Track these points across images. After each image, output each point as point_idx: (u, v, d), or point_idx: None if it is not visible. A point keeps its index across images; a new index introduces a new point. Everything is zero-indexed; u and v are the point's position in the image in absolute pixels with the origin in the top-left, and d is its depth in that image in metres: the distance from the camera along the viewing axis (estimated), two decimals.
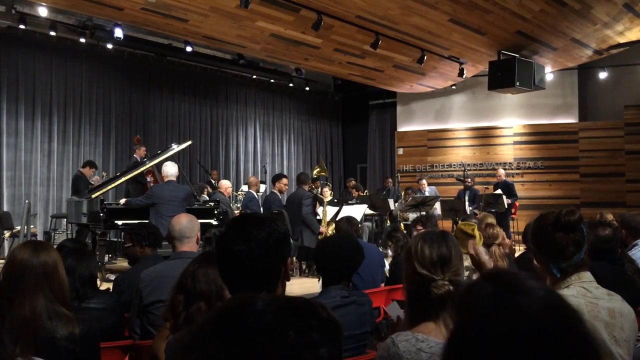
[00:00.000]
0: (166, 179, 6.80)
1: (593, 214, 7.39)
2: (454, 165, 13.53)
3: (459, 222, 4.98)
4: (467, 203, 9.96)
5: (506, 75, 9.68)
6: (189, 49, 10.06)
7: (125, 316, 3.19)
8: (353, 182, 12.30)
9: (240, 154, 13.57)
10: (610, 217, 6.75)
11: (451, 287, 1.72)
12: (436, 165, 13.95)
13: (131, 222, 6.88)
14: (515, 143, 13.23)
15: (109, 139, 11.02)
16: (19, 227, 8.09)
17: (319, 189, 10.69)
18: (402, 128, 14.50)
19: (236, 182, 12.57)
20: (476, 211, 9.50)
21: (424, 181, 11.49)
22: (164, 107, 12.02)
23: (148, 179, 8.63)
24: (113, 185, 8.05)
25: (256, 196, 9.03)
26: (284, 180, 8.28)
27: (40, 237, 9.00)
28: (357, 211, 8.05)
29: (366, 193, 12.13)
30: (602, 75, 12.21)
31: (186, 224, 3.18)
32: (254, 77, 13.52)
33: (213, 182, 10.82)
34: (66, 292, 2.22)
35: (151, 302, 2.95)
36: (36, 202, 9.74)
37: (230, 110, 13.37)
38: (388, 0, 7.71)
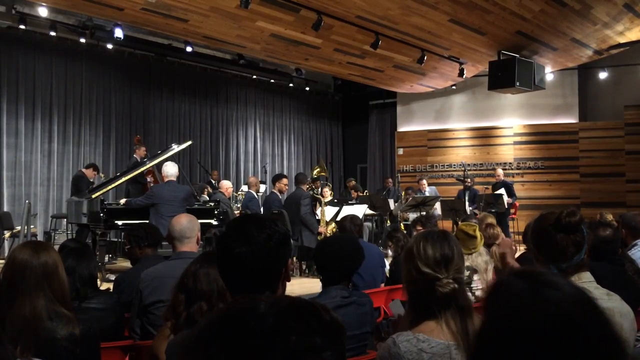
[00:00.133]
0: (166, 179, 6.80)
1: (593, 214, 7.40)
2: (454, 165, 13.53)
3: (460, 222, 4.98)
4: (467, 203, 9.96)
5: (506, 75, 9.68)
6: (189, 49, 10.06)
7: (125, 316, 3.19)
8: (353, 182, 12.30)
9: (240, 154, 13.57)
10: (610, 217, 6.76)
11: (456, 285, 1.71)
12: (436, 166, 13.95)
13: (131, 222, 6.88)
14: (516, 143, 13.23)
15: (109, 139, 11.02)
16: (19, 227, 8.10)
17: (319, 189, 10.70)
18: (402, 128, 14.50)
19: (236, 182, 12.56)
20: (476, 211, 9.50)
21: (424, 181, 11.49)
22: (164, 107, 12.02)
23: (148, 179, 8.63)
24: (113, 185, 8.06)
25: (256, 196, 9.03)
26: (284, 181, 8.28)
27: (40, 237, 9.00)
28: (357, 211, 8.04)
29: (366, 193, 12.13)
30: (602, 75, 12.21)
31: (186, 224, 3.17)
32: (254, 77, 13.52)
33: (213, 182, 10.82)
34: (66, 293, 2.22)
35: (151, 302, 2.95)
36: (36, 202, 9.74)
37: (230, 110, 13.37)
38: (388, 0, 7.71)
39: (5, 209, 9.23)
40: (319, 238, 7.64)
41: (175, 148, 8.13)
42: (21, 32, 9.35)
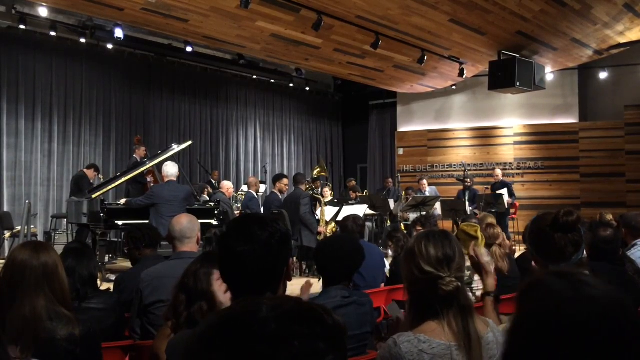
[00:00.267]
0: (166, 179, 6.80)
1: (593, 214, 7.40)
2: (454, 165, 13.52)
3: (460, 222, 4.98)
4: (467, 203, 9.95)
5: (506, 75, 9.67)
6: (189, 49, 10.06)
7: (126, 316, 3.19)
8: (353, 183, 12.29)
9: (240, 154, 13.57)
10: (609, 217, 6.75)
11: (459, 284, 1.71)
12: (436, 166, 13.95)
13: (131, 222, 6.88)
14: (516, 143, 13.23)
15: (109, 139, 11.01)
16: (19, 228, 8.09)
17: (319, 189, 10.69)
18: (402, 128, 14.49)
19: (236, 183, 12.56)
20: (476, 211, 9.49)
21: (425, 181, 11.49)
22: (164, 107, 12.02)
23: (148, 179, 8.63)
24: (113, 185, 8.06)
25: (256, 196, 9.03)
26: (285, 181, 8.28)
27: (40, 238, 9.00)
28: (357, 211, 8.04)
29: (366, 193, 12.13)
30: (603, 75, 12.20)
31: (186, 224, 3.17)
32: (254, 77, 13.52)
33: (213, 182, 10.82)
34: (66, 293, 2.22)
35: (152, 302, 2.95)
36: (36, 202, 9.74)
37: (230, 110, 13.37)
38: (388, 0, 7.70)
39: (6, 209, 9.23)
40: (318, 238, 7.64)
41: (176, 148, 8.13)
42: (21, 32, 9.35)
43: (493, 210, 9.33)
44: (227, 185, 8.99)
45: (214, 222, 7.32)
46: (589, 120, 12.81)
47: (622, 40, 10.08)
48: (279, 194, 8.16)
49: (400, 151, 14.40)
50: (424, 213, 9.28)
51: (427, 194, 10.90)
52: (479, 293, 3.89)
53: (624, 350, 0.84)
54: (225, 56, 12.27)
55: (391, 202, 10.73)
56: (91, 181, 8.72)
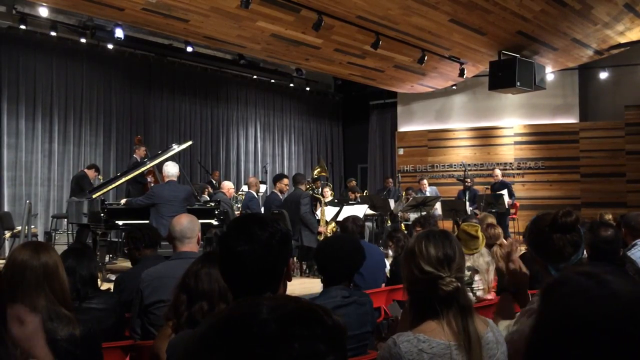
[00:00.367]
0: (167, 179, 6.80)
1: (594, 215, 7.40)
2: (455, 165, 13.52)
3: (461, 222, 4.98)
4: (467, 203, 9.95)
5: (507, 75, 9.67)
6: (189, 49, 10.07)
7: (126, 316, 3.19)
8: (354, 183, 12.29)
9: (240, 154, 13.57)
10: (609, 217, 6.74)
11: (459, 284, 1.71)
12: (437, 166, 13.95)
13: (132, 222, 6.88)
14: (516, 143, 13.23)
15: (109, 139, 11.02)
16: (19, 228, 8.10)
17: (320, 189, 10.69)
18: (402, 128, 14.49)
19: (237, 183, 12.56)
20: (477, 211, 9.50)
21: (425, 181, 11.49)
22: (165, 107, 12.02)
23: (148, 179, 8.63)
24: (114, 185, 8.06)
25: (256, 196, 9.03)
26: (285, 181, 8.29)
27: (40, 238, 9.00)
28: (357, 211, 8.04)
29: (365, 193, 12.13)
30: (603, 75, 12.20)
31: (187, 224, 3.17)
32: (255, 77, 13.52)
33: (214, 182, 10.83)
34: (67, 293, 2.22)
35: (152, 302, 2.95)
36: (37, 202, 9.74)
37: (230, 110, 13.37)
38: (388, 0, 7.70)
39: (6, 209, 9.23)
40: (319, 238, 7.64)
41: (176, 148, 8.14)
42: (22, 32, 9.35)
43: (493, 211, 9.33)
44: (228, 186, 8.99)
45: (214, 222, 7.33)
46: (589, 120, 12.81)
47: (623, 40, 10.08)
48: (279, 194, 8.16)
49: (401, 151, 14.40)
50: (424, 213, 9.28)
51: (428, 194, 10.90)
52: (479, 293, 3.89)
53: None
54: (226, 56, 12.28)
55: (391, 202, 10.73)
56: (91, 181, 8.73)
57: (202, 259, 2.28)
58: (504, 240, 4.69)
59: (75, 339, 2.11)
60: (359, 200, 10.34)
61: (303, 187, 8.33)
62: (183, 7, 7.39)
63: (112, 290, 3.71)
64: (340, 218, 7.80)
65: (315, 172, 11.61)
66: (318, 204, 8.51)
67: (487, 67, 10.33)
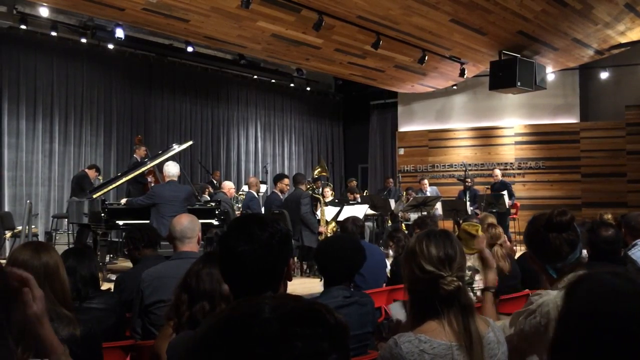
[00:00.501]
0: (167, 179, 6.80)
1: (594, 215, 7.39)
2: (455, 165, 13.52)
3: (461, 222, 4.98)
4: (468, 203, 9.95)
5: (507, 75, 9.66)
6: (189, 49, 10.07)
7: (127, 316, 3.19)
8: (354, 183, 12.29)
9: (241, 154, 13.57)
10: (609, 217, 6.73)
11: (460, 284, 1.71)
12: (437, 166, 13.94)
13: (132, 222, 6.88)
14: (517, 143, 13.22)
15: (110, 140, 11.02)
16: (20, 228, 8.10)
17: (320, 189, 10.68)
18: (403, 128, 14.49)
19: (237, 183, 12.56)
20: (477, 211, 9.49)
21: (426, 181, 11.49)
22: (165, 107, 12.02)
23: (149, 179, 8.63)
24: (114, 185, 8.06)
25: (256, 196, 9.03)
26: (286, 181, 8.29)
27: (41, 238, 9.01)
28: (358, 211, 8.04)
29: (366, 193, 12.12)
30: (604, 75, 12.19)
31: (187, 224, 3.17)
32: (255, 77, 13.52)
33: (215, 182, 10.83)
34: (67, 293, 2.22)
35: (152, 302, 2.95)
36: (37, 202, 9.74)
37: (231, 110, 13.37)
38: (389, 0, 7.70)
39: (7, 209, 9.23)
40: (319, 238, 7.64)
41: (176, 148, 8.14)
42: (22, 32, 9.36)
43: (494, 210, 9.32)
44: (229, 186, 9.00)
45: (214, 222, 7.33)
46: (589, 120, 12.80)
47: (623, 40, 10.07)
48: (279, 194, 8.16)
49: (401, 151, 14.40)
50: (425, 213, 9.28)
51: (428, 194, 10.90)
52: (479, 293, 3.89)
53: None
54: (226, 56, 12.28)
55: (392, 202, 10.73)
56: (92, 181, 8.73)
57: (204, 259, 2.28)
58: (508, 243, 4.69)
59: (75, 339, 2.11)
60: (359, 200, 10.33)
61: (303, 187, 8.33)
62: (183, 7, 7.39)
63: (112, 290, 3.71)
64: (340, 218, 7.80)
65: (316, 172, 11.60)
66: (318, 204, 8.50)
67: (488, 67, 10.32)
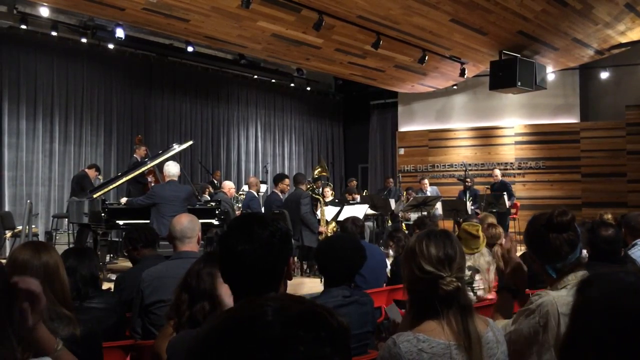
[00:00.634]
0: (168, 179, 6.80)
1: (594, 215, 7.39)
2: (455, 165, 13.52)
3: (462, 222, 4.98)
4: (468, 203, 9.95)
5: (507, 75, 9.66)
6: (190, 49, 10.07)
7: (127, 316, 3.19)
8: (354, 183, 12.29)
9: (241, 154, 13.58)
10: (608, 216, 6.73)
11: (460, 284, 1.71)
12: (437, 165, 13.94)
13: (132, 222, 6.89)
14: (517, 143, 13.22)
15: (110, 139, 11.02)
16: (20, 227, 8.10)
17: (320, 189, 10.68)
18: (403, 128, 14.49)
19: (237, 182, 12.57)
20: (477, 211, 9.50)
21: (426, 181, 11.49)
22: (165, 107, 12.02)
23: (149, 179, 8.63)
24: (114, 185, 8.06)
25: (257, 196, 9.03)
26: (286, 181, 8.29)
27: (41, 237, 9.01)
28: (358, 211, 8.04)
29: (365, 193, 12.12)
30: (604, 75, 12.19)
31: (187, 224, 3.17)
32: (255, 77, 13.52)
33: (215, 182, 10.83)
34: (67, 293, 2.22)
35: (152, 302, 2.95)
36: (37, 202, 9.74)
37: (231, 110, 13.37)
38: (389, 0, 7.70)
39: (7, 208, 9.24)
40: (319, 238, 7.64)
41: (176, 148, 8.14)
42: (22, 32, 9.36)
43: (494, 210, 9.32)
44: (229, 185, 9.00)
45: (214, 222, 7.33)
46: (590, 120, 12.80)
47: (623, 40, 10.07)
48: (280, 194, 8.16)
49: (401, 151, 14.40)
50: (425, 213, 9.28)
51: (429, 193, 10.90)
52: (480, 293, 3.89)
53: None
54: (227, 56, 12.28)
55: (392, 202, 10.73)
56: (92, 181, 8.74)
57: (204, 258, 2.28)
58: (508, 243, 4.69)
59: (75, 339, 2.11)
60: (358, 200, 10.33)
61: (304, 187, 8.34)
62: (184, 7, 7.39)
63: (112, 290, 3.71)
64: (340, 218, 7.80)
65: (316, 172, 11.60)
66: (318, 204, 8.51)
67: (488, 67, 10.32)
